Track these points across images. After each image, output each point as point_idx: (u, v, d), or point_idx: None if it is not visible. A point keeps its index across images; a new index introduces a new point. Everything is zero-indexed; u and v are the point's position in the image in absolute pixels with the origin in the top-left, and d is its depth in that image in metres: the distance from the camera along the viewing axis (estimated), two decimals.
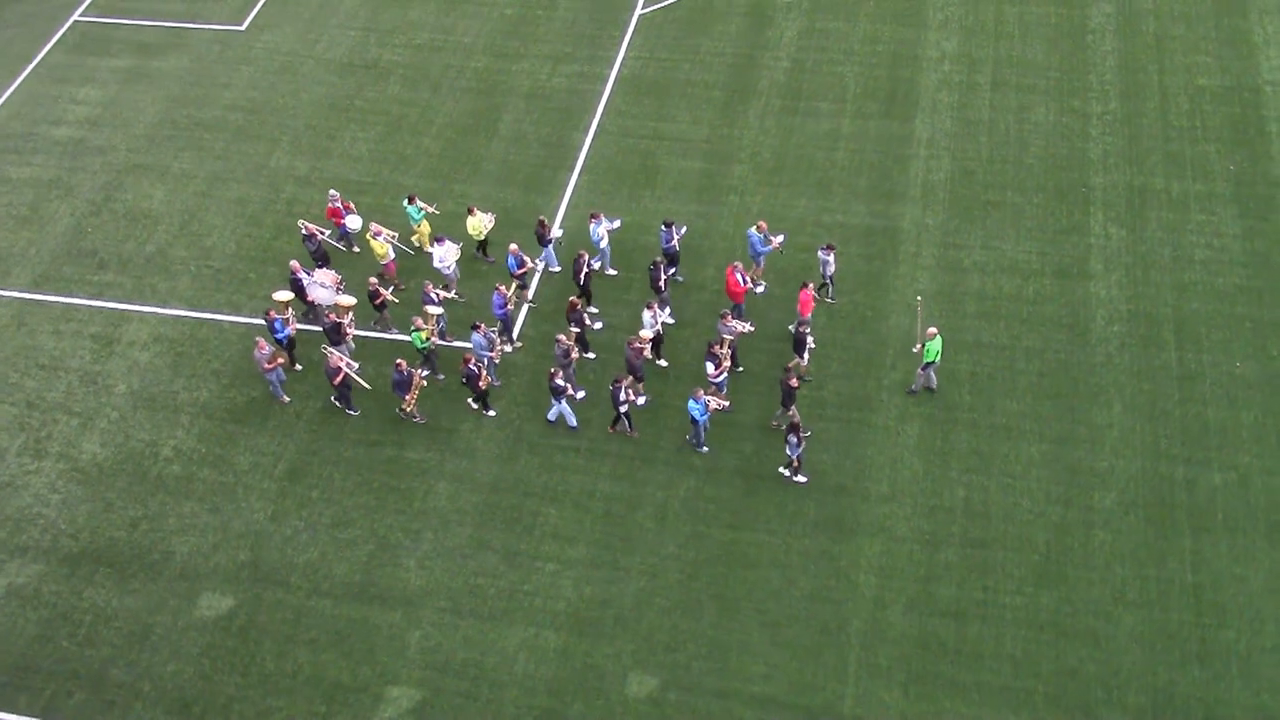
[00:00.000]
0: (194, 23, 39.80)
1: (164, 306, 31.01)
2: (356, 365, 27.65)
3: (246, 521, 26.49)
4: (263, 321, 28.91)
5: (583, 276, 28.78)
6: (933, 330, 26.32)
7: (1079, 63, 35.23)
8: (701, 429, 26.31)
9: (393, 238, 30.24)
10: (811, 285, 27.64)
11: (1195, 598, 23.92)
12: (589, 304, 29.25)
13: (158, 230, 33.00)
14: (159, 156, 35.23)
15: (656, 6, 38.53)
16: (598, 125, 34.81)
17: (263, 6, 40.17)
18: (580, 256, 28.68)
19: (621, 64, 36.65)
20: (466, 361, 26.67)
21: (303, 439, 27.87)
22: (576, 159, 33.88)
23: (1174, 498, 25.41)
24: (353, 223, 30.85)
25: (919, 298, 28.40)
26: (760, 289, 29.32)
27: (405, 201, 30.94)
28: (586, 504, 26.25)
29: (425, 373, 27.88)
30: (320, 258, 30.27)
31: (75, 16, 40.55)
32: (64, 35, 39.83)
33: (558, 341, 27.16)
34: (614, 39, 37.47)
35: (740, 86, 35.58)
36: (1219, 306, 28.77)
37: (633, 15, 38.31)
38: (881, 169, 32.78)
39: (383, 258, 29.97)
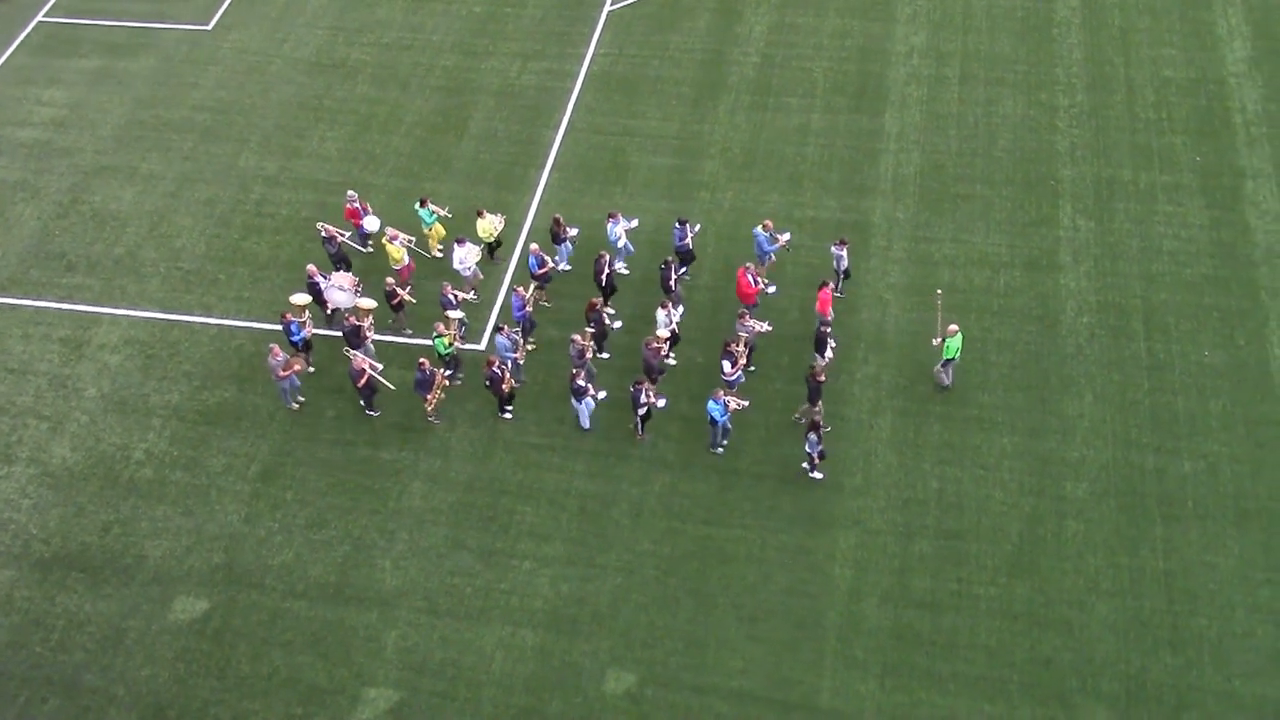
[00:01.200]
0: (160, 23, 39.51)
1: (134, 308, 30.80)
2: (381, 366, 27.49)
3: (220, 524, 26.36)
4: (279, 326, 28.58)
5: (604, 277, 28.60)
6: (954, 327, 26.37)
7: (1046, 56, 35.46)
8: (720, 430, 26.23)
9: (409, 242, 29.96)
10: (830, 284, 27.70)
11: (1167, 585, 24.14)
12: (607, 304, 28.99)
13: (126, 232, 32.77)
14: (126, 158, 34.97)
15: (626, 3, 38.53)
16: (568, 122, 34.79)
17: (229, 6, 39.92)
18: (601, 257, 28.52)
19: (591, 61, 36.63)
20: (490, 364, 26.50)
21: (276, 440, 27.74)
22: (547, 156, 33.84)
23: (1145, 486, 25.64)
24: (370, 224, 30.55)
25: (939, 291, 28.35)
26: (771, 289, 29.12)
27: (417, 204, 30.68)
28: (562, 502, 26.25)
29: (448, 373, 27.73)
30: (340, 260, 30.03)
31: (40, 17, 40.17)
32: (28, 36, 39.46)
33: (572, 342, 27.02)
34: (583, 36, 37.44)
35: (710, 82, 35.63)
36: (1187, 296, 29.02)
37: (602, 11, 38.29)
38: (851, 163, 32.90)
39: (398, 262, 29.58)
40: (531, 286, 28.43)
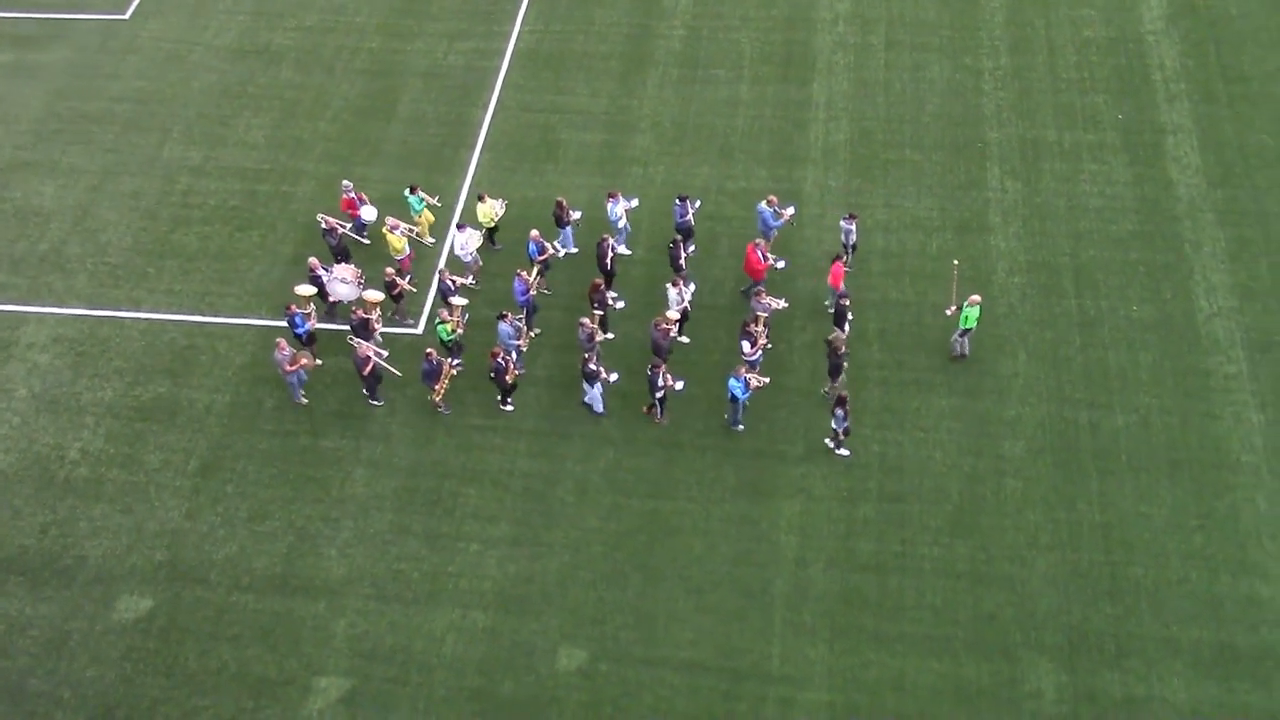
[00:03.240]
0: (74, 13, 38.62)
1: (61, 306, 30.24)
2: (386, 354, 27.20)
3: (161, 521, 26.05)
4: (283, 321, 28.12)
5: (609, 260, 28.40)
6: (976, 297, 26.46)
7: (969, 20, 35.76)
8: (740, 408, 26.14)
9: (409, 231, 29.61)
10: (843, 258, 27.77)
11: (1104, 537, 24.65)
12: (609, 286, 28.84)
13: (50, 228, 32.12)
14: (46, 152, 34.24)
15: None
16: (496, 101, 34.58)
17: None
18: (604, 240, 28.29)
19: (517, 38, 36.40)
20: (494, 355, 26.23)
21: (214, 433, 27.44)
22: (477, 137, 33.63)
23: (1079, 442, 26.11)
24: (368, 214, 30.04)
25: (956, 261, 28.42)
26: (781, 264, 28.71)
27: (407, 191, 30.16)
28: (506, 482, 26.23)
29: (456, 362, 27.43)
30: (340, 253, 29.59)
31: None
32: None
33: (581, 325, 26.79)
34: (508, 13, 37.17)
35: (637, 56, 35.56)
36: (1114, 253, 29.52)
37: None
38: (782, 133, 33.03)
39: (399, 252, 29.23)
40: (534, 271, 28.16)
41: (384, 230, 29.31)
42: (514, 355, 26.81)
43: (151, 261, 31.13)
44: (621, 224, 29.35)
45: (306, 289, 28.21)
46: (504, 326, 26.74)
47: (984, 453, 26.04)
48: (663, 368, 25.83)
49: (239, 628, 24.37)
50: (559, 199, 29.54)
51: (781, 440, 26.46)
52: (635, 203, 29.70)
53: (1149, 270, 29.10)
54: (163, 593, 24.95)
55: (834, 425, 25.58)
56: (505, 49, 36.09)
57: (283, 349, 26.68)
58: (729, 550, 24.89)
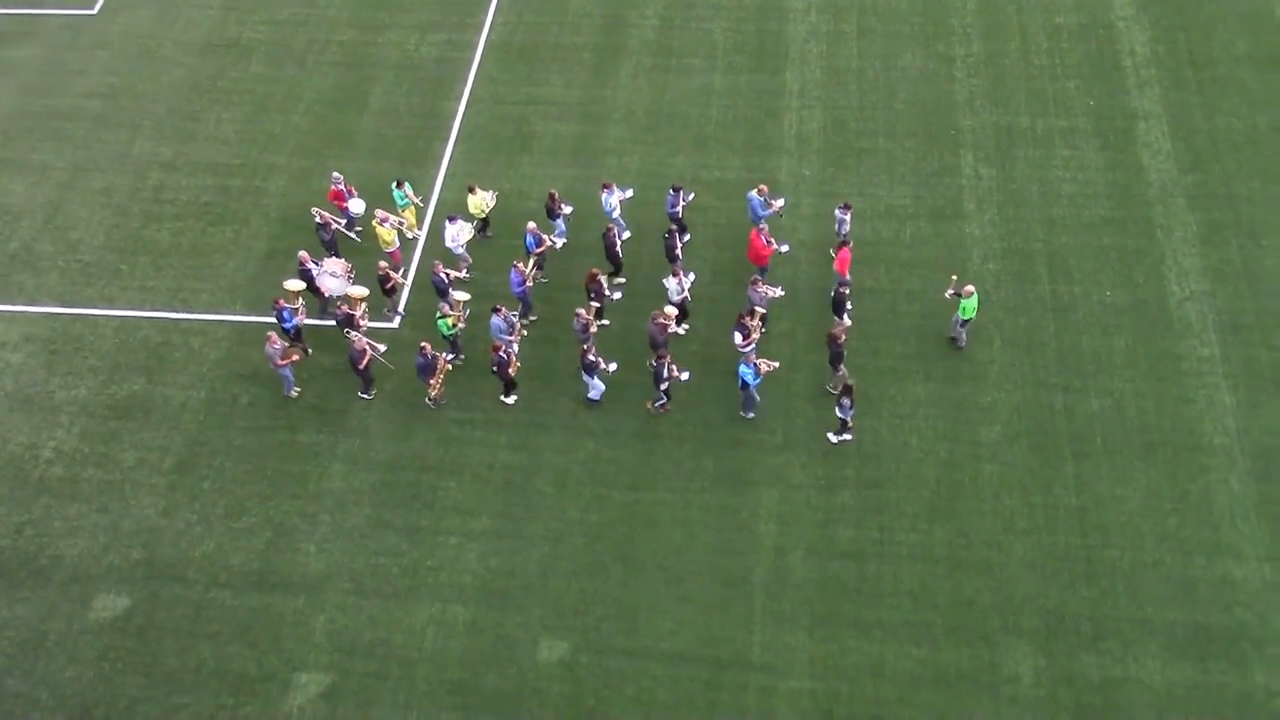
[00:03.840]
0: (43, 9, 38.26)
1: (33, 304, 30.00)
2: (383, 348, 27.08)
3: (137, 519, 25.91)
4: (271, 317, 27.91)
5: (617, 250, 28.44)
6: (971, 288, 26.52)
7: (940, 7, 35.83)
8: (753, 394, 26.07)
9: (399, 224, 29.48)
10: (850, 244, 27.83)
11: (1080, 520, 24.82)
12: (618, 274, 28.94)
13: (20, 226, 31.85)
14: (16, 150, 33.93)
15: None
16: (470, 93, 34.46)
17: None
18: (610, 230, 28.29)
19: (490, 29, 36.27)
20: (496, 349, 26.09)
21: (190, 430, 27.30)
22: (451, 128, 33.51)
23: (1055, 426, 26.28)
24: (356, 207, 29.81)
25: (954, 276, 28.27)
26: (784, 248, 28.82)
27: (394, 185, 29.97)
28: (486, 475, 26.20)
29: (450, 356, 27.32)
30: (332, 247, 29.47)
31: None
32: None
33: (577, 316, 26.69)
34: (481, 4, 37.03)
35: (610, 47, 35.50)
36: (1087, 238, 29.69)
37: None
38: (755, 122, 33.05)
39: (389, 245, 29.12)
40: (531, 263, 28.04)
41: (374, 223, 29.19)
42: (514, 349, 26.72)
43: (124, 258, 30.92)
44: (615, 214, 29.22)
45: (295, 283, 27.97)
46: (496, 320, 26.65)
47: (960, 438, 26.17)
48: (668, 358, 25.85)
49: (218, 625, 24.28)
50: (551, 191, 29.41)
51: (760, 429, 26.52)
52: (630, 193, 29.57)
53: (1121, 255, 29.28)
54: (140, 591, 24.83)
55: (839, 414, 25.56)
56: (478, 40, 35.96)
57: (274, 343, 26.55)
58: (709, 540, 24.95)
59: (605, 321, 28.14)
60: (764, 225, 28.87)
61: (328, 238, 29.45)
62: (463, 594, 24.45)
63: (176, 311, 29.51)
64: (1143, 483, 25.28)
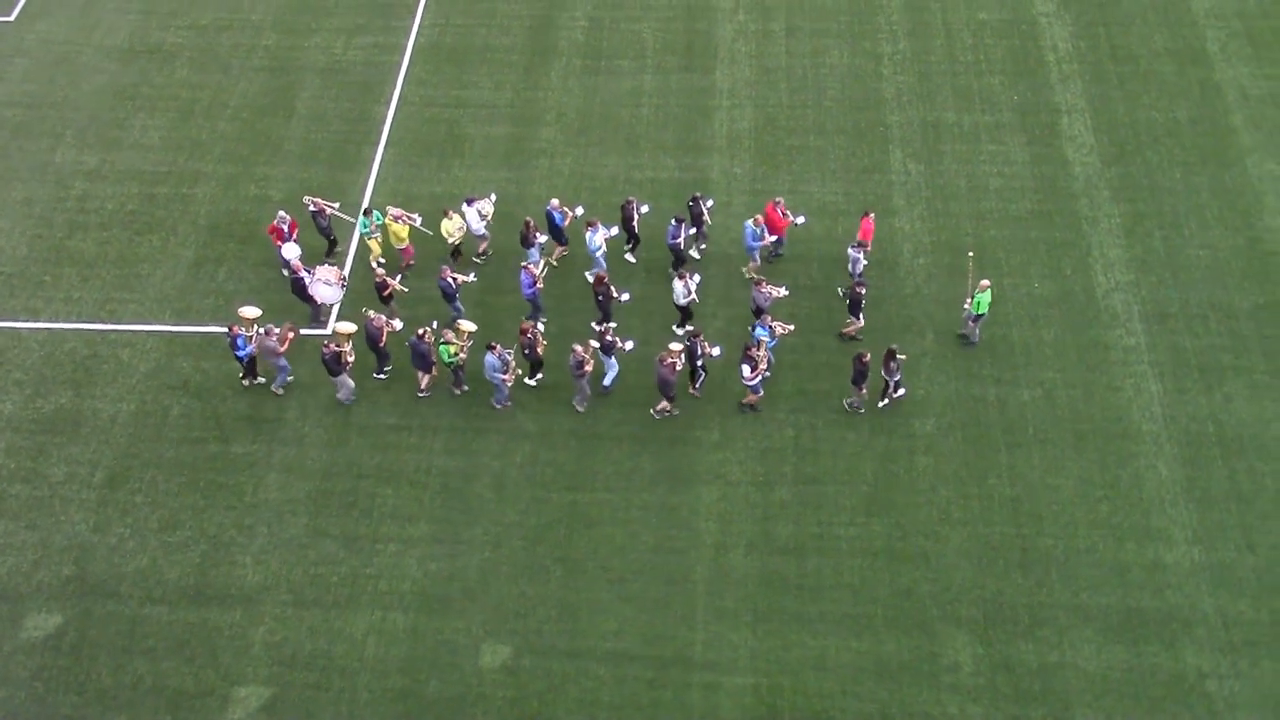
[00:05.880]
0: None
1: None
2: (399, 324, 26.88)
3: (67, 535, 25.42)
4: (225, 336, 27.03)
5: (633, 225, 28.78)
6: (986, 282, 26.69)
7: (867, 5, 36.18)
8: (769, 359, 26.08)
9: (413, 220, 29.05)
10: (873, 213, 28.41)
11: (1014, 510, 25.18)
12: (636, 247, 29.29)
13: None
14: None
15: None
16: (399, 97, 34.21)
17: None
18: (629, 203, 28.69)
19: (418, 32, 36.03)
20: (524, 331, 26.16)
21: (120, 443, 26.83)
22: (380, 133, 33.25)
23: (988, 417, 26.63)
24: (289, 252, 28.28)
25: (970, 253, 28.50)
26: (801, 220, 28.80)
27: (361, 214, 29.03)
28: (423, 481, 26.03)
29: (457, 389, 27.27)
30: (328, 234, 29.10)
31: None
32: None
33: (573, 352, 25.76)
34: (408, 7, 36.78)
35: (540, 48, 35.42)
36: (1015, 231, 30.13)
37: None
38: (686, 122, 33.15)
39: (401, 241, 28.83)
40: (543, 265, 27.76)
41: (387, 220, 28.84)
42: (496, 386, 26.34)
43: (48, 269, 30.31)
44: (600, 254, 28.57)
45: (251, 310, 26.95)
46: (490, 359, 25.93)
47: (896, 431, 26.44)
48: (700, 335, 26.00)
49: (153, 640, 23.89)
50: (527, 219, 28.49)
51: (698, 426, 26.61)
52: (615, 231, 28.89)
53: (1049, 248, 29.75)
54: (72, 608, 24.35)
55: (885, 377, 25.90)
56: (406, 43, 35.71)
57: (270, 334, 26.24)
58: (649, 539, 24.98)
59: (626, 296, 27.80)
60: (781, 200, 28.83)
61: (324, 224, 29.11)
62: (403, 601, 24.27)
63: (104, 323, 28.99)
64: (1074, 471, 25.70)
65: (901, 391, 26.60)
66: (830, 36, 35.29)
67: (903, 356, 26.17)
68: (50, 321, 29.19)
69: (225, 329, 26.85)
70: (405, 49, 35.58)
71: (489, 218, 29.08)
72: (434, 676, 23.26)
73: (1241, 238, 29.69)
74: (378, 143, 32.96)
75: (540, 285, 27.63)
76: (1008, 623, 23.61)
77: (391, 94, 34.29)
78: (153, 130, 33.68)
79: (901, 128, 32.68)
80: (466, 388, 27.27)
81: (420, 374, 26.90)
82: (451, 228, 29.00)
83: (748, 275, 28.69)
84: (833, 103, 33.43)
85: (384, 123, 33.53)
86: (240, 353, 26.67)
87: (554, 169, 31.98)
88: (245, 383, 27.56)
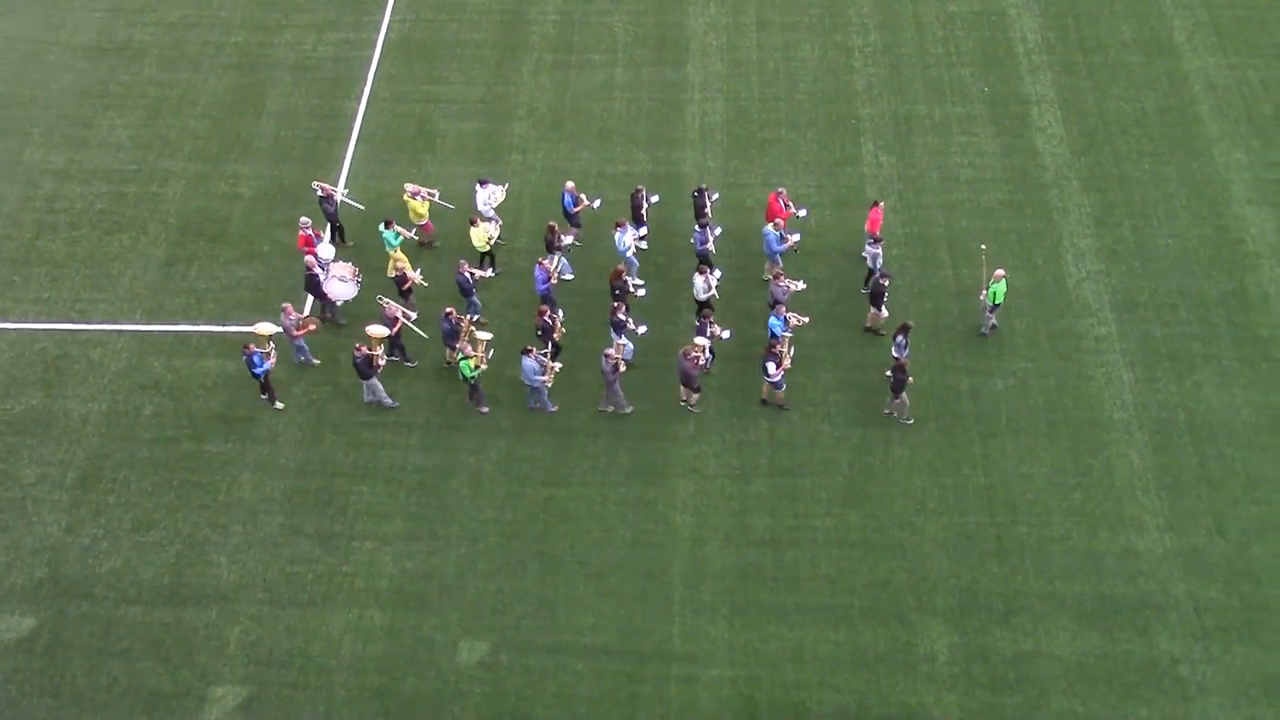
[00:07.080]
0: None
1: None
2: (415, 315, 26.74)
3: (39, 536, 25.24)
4: (242, 357, 26.51)
5: (644, 212, 28.80)
6: (1001, 272, 26.76)
7: None
8: (783, 337, 26.02)
9: (432, 195, 29.00)
10: (883, 204, 28.58)
11: (988, 499, 25.33)
12: (645, 236, 29.15)
13: None
14: None
15: None
16: (370, 93, 34.07)
17: None
18: (638, 191, 28.66)
19: (388, 28, 35.89)
20: (541, 313, 26.21)
21: (92, 443, 26.65)
22: (351, 129, 33.11)
23: (961, 407, 26.77)
24: (325, 251, 28.11)
25: (984, 246, 28.54)
26: (803, 212, 28.88)
27: (382, 226, 28.35)
28: (399, 478, 25.97)
29: (475, 316, 27.40)
30: (334, 220, 28.97)
31: None
32: None
33: (605, 357, 25.75)
34: (378, 2, 36.61)
35: (511, 43, 35.34)
36: (986, 222, 30.27)
37: None
38: (659, 115, 33.16)
39: (421, 218, 28.81)
40: (556, 260, 27.67)
41: (405, 197, 28.85)
42: (534, 388, 26.19)
43: (17, 270, 30.06)
44: (630, 254, 28.45)
45: (267, 327, 26.45)
46: (527, 362, 25.68)
47: (871, 423, 26.55)
48: (710, 317, 26.15)
49: (128, 641, 23.76)
50: (550, 224, 28.29)
51: (673, 420, 26.64)
52: (645, 231, 29.06)
53: (1020, 238, 29.91)
54: (46, 610, 24.19)
55: (894, 354, 25.95)
56: (376, 39, 35.56)
57: (290, 314, 26.34)
58: (626, 533, 25.01)
59: (641, 287, 28.11)
60: (783, 190, 28.85)
61: (331, 209, 29.00)
62: (379, 599, 24.22)
63: (74, 323, 28.79)
64: (1047, 460, 25.87)
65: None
66: (801, 30, 35.35)
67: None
68: (20, 322, 28.96)
69: (241, 349, 26.21)
70: (376, 44, 35.43)
71: (492, 205, 29.04)
72: (411, 673, 23.23)
73: (1209, 226, 29.93)
74: (349, 139, 32.83)
75: (554, 281, 27.62)
76: (983, 611, 23.76)
77: (362, 90, 34.15)
78: (121, 128, 33.43)
79: (873, 120, 32.78)
80: (486, 409, 26.87)
81: (452, 347, 26.86)
82: (481, 235, 28.50)
83: (765, 276, 28.56)
84: (805, 96, 33.50)
85: (355, 119, 33.39)
86: (257, 370, 26.11)
87: (526, 164, 31.94)
88: (277, 404, 27.02)
